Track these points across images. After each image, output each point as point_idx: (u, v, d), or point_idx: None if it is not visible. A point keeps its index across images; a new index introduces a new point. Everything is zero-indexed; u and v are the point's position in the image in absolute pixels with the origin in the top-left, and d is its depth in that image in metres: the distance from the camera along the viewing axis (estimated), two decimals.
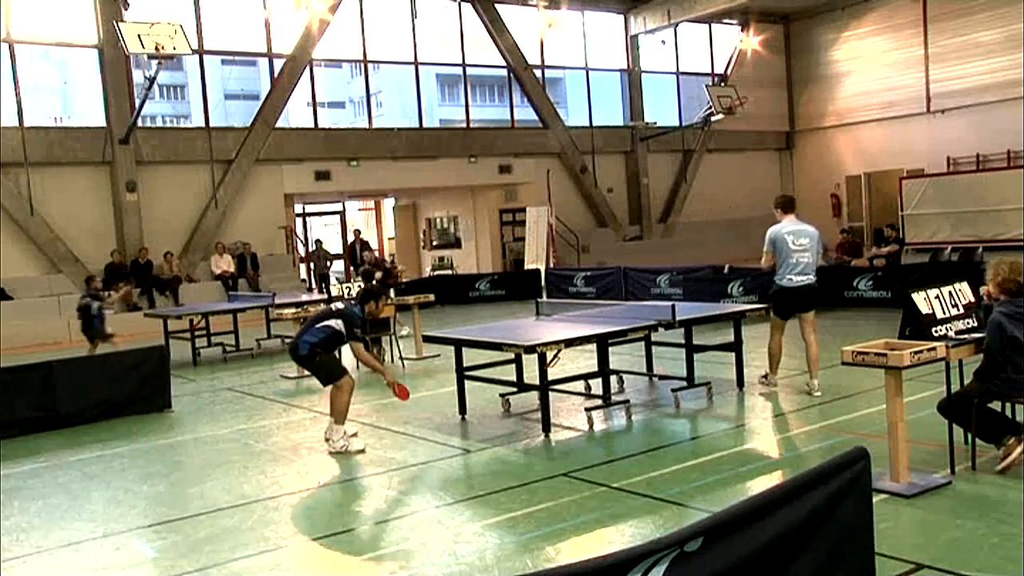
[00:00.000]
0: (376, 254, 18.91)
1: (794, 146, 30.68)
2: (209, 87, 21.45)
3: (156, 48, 17.08)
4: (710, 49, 29.15)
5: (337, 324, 7.56)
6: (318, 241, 23.40)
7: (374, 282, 13.12)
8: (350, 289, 13.24)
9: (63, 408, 9.13)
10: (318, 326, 7.62)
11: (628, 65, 27.42)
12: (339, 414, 7.52)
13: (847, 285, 15.17)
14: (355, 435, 7.74)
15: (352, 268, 23.42)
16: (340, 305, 7.93)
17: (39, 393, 9.10)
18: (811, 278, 8.64)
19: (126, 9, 19.10)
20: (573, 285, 19.81)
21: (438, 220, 27.74)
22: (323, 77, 25.12)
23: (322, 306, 13.14)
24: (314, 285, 22.10)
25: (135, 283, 18.78)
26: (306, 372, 11.67)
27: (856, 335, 11.10)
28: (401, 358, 12.05)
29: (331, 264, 23.49)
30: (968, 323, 6.28)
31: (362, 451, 7.41)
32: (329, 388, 7.63)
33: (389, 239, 29.82)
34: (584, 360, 10.01)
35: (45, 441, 8.63)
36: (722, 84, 27.61)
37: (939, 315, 6.21)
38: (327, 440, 7.56)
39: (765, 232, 8.79)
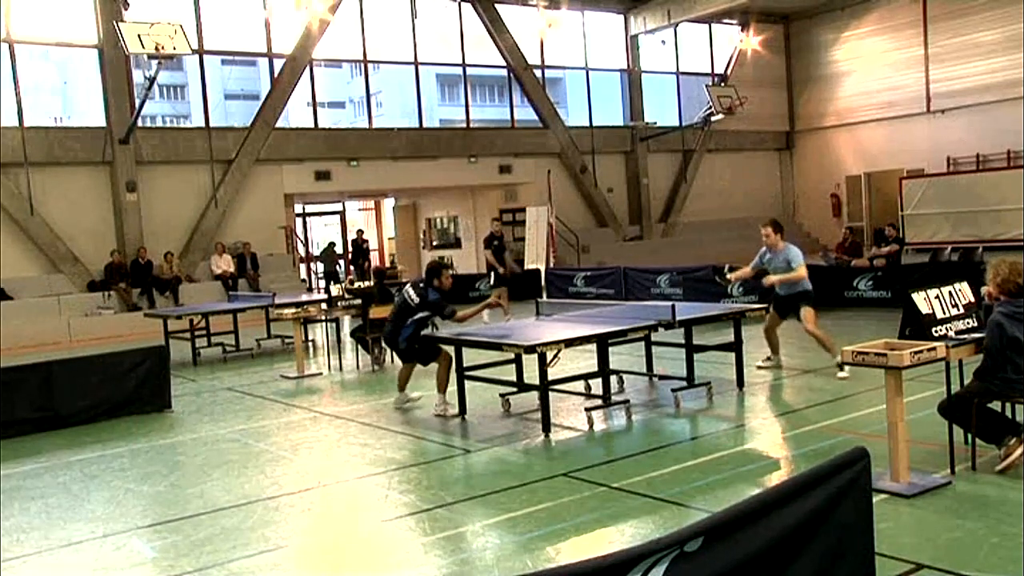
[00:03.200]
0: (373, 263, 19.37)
1: (794, 146, 30.69)
2: (209, 87, 21.44)
3: (156, 48, 17.07)
4: (710, 49, 29.15)
5: (421, 315, 8.66)
6: (331, 243, 24.37)
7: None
8: (350, 290, 13.26)
9: (63, 408, 9.13)
10: (408, 323, 8.68)
11: (628, 65, 27.43)
12: (440, 383, 8.60)
13: (847, 285, 15.17)
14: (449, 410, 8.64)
15: (352, 268, 23.51)
16: (415, 298, 8.70)
17: (39, 393, 9.10)
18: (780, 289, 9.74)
19: (126, 9, 19.10)
20: (573, 285, 19.81)
21: (438, 220, 27.74)
22: (323, 77, 25.12)
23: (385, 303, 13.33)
24: (317, 284, 22.39)
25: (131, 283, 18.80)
26: (307, 372, 11.79)
27: (856, 335, 11.10)
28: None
29: (338, 264, 24.30)
30: (968, 323, 6.28)
31: (457, 415, 8.42)
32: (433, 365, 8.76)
33: (389, 239, 29.83)
34: (584, 360, 10.01)
35: (45, 441, 8.63)
36: (722, 84, 27.61)
37: (939, 315, 6.21)
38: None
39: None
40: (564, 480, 6.33)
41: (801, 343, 11.22)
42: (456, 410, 8.45)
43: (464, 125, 25.08)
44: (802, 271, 9.49)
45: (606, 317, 8.92)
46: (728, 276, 10.11)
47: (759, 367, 9.86)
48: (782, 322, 9.91)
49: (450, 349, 8.74)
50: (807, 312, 9.47)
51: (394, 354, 11.99)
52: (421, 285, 8.81)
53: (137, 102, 19.32)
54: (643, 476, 6.29)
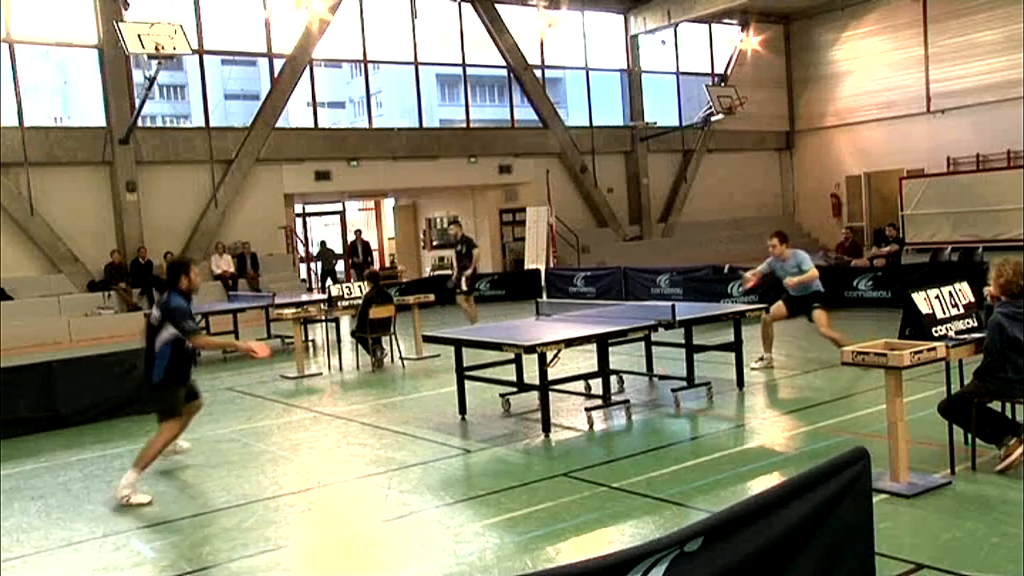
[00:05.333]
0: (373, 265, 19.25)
1: (794, 146, 30.69)
2: (209, 87, 21.45)
3: (156, 48, 17.08)
4: (710, 49, 29.16)
5: (170, 332, 6.51)
6: (323, 242, 24.66)
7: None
8: (350, 289, 13.26)
9: (63, 408, 9.13)
10: (159, 347, 6.53)
11: (628, 65, 27.43)
12: (143, 459, 6.51)
13: (847, 285, 15.15)
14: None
15: (352, 268, 23.55)
16: (156, 312, 6.69)
17: (39, 393, 9.11)
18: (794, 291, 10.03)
19: (126, 9, 19.10)
20: (573, 285, 19.81)
21: (438, 220, 27.74)
22: (323, 77, 25.13)
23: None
24: (317, 283, 22.59)
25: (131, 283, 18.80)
26: (307, 372, 11.78)
27: (856, 335, 11.09)
28: (401, 358, 12.05)
29: (335, 263, 24.64)
30: (968, 323, 6.28)
31: (148, 503, 6.30)
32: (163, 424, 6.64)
33: (389, 239, 29.83)
34: (584, 360, 10.01)
35: (45, 441, 8.63)
36: (722, 84, 27.62)
37: (939, 315, 6.21)
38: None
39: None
40: (564, 480, 6.33)
41: (799, 343, 11.23)
42: (147, 499, 6.33)
43: (464, 125, 25.08)
44: (814, 271, 9.93)
45: (606, 317, 8.92)
46: (745, 277, 10.70)
47: (753, 368, 9.87)
48: (787, 318, 10.15)
49: (449, 349, 8.68)
50: (820, 315, 9.78)
51: (396, 355, 12.06)
52: (165, 294, 6.75)
53: (137, 102, 19.33)
54: (643, 476, 6.29)
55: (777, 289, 10.35)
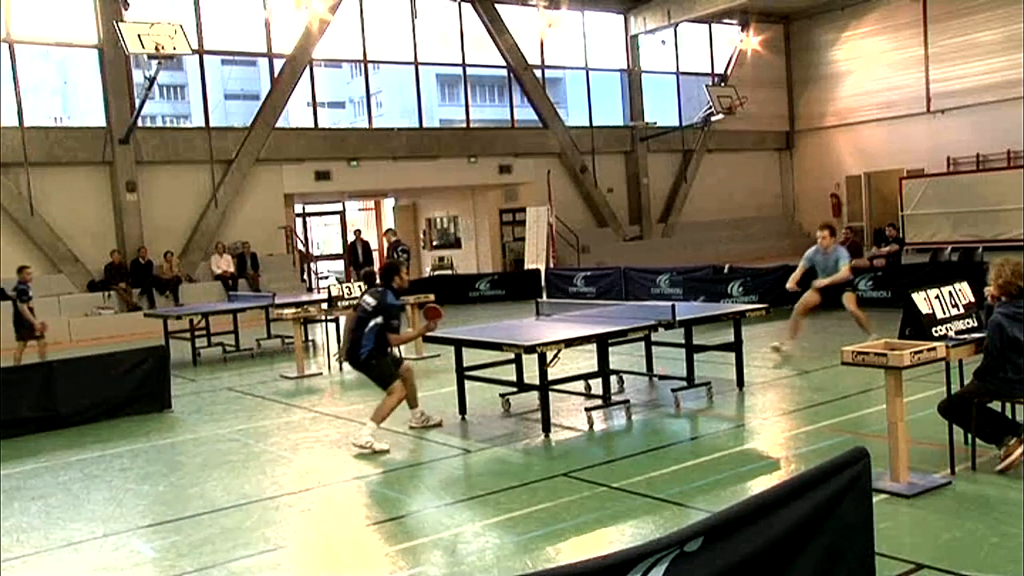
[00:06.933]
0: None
1: (794, 146, 30.69)
2: (209, 87, 21.45)
3: (156, 48, 17.09)
4: (710, 49, 29.17)
5: (377, 322, 7.62)
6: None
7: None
8: (350, 289, 13.25)
9: (63, 408, 9.13)
10: (368, 330, 7.62)
11: (628, 65, 27.43)
12: (380, 415, 7.59)
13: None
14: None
15: (352, 269, 23.53)
16: (372, 300, 7.73)
17: (39, 393, 9.10)
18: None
19: (126, 9, 19.10)
20: (573, 285, 19.80)
21: (438, 220, 27.74)
22: (323, 77, 25.13)
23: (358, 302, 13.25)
24: (321, 284, 22.58)
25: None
26: (307, 372, 11.79)
27: (856, 335, 11.09)
28: (401, 358, 12.02)
29: (311, 264, 24.37)
30: (968, 323, 6.28)
31: (386, 451, 7.36)
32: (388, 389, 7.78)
33: None
34: (584, 360, 10.00)
35: (45, 441, 8.63)
36: (722, 84, 27.64)
37: (939, 315, 6.21)
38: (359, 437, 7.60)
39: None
40: (564, 480, 6.33)
41: (801, 343, 11.23)
42: (386, 446, 7.43)
43: (464, 125, 25.09)
44: (846, 273, 10.93)
45: (606, 317, 8.92)
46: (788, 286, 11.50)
47: (773, 347, 10.93)
48: (819, 302, 11.03)
49: (449, 349, 8.68)
50: (849, 296, 10.97)
51: (396, 355, 12.04)
52: (379, 288, 7.84)
53: (137, 102, 19.33)
54: (643, 476, 6.29)
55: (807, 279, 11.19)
